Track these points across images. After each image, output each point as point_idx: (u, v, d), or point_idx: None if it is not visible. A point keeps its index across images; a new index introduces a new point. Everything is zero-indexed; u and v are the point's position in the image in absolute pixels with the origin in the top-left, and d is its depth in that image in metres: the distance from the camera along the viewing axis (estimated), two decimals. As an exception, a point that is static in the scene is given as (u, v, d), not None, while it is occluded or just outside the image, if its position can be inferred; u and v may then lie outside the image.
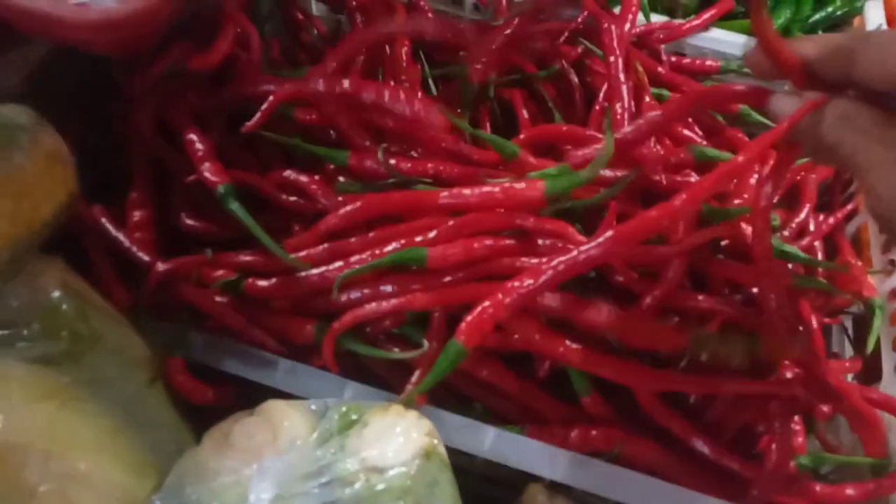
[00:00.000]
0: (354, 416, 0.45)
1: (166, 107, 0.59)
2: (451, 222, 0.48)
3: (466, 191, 0.49)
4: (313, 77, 0.60)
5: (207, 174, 0.50)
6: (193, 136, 0.53)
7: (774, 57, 0.39)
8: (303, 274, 0.49)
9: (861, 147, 0.34)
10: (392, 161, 0.57)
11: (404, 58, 0.77)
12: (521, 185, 0.49)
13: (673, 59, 0.78)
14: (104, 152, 0.63)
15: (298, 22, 0.85)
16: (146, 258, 0.50)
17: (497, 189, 0.49)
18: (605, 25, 0.67)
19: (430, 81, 0.80)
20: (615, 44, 0.66)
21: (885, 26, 0.83)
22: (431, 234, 0.49)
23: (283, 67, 0.78)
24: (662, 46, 0.78)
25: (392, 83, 0.64)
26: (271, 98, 0.56)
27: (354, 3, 0.78)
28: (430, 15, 0.81)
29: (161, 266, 0.49)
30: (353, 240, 0.50)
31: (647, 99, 0.67)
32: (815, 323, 0.58)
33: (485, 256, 0.49)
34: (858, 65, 0.35)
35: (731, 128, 0.74)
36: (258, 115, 0.54)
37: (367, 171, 0.57)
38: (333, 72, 0.63)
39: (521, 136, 0.63)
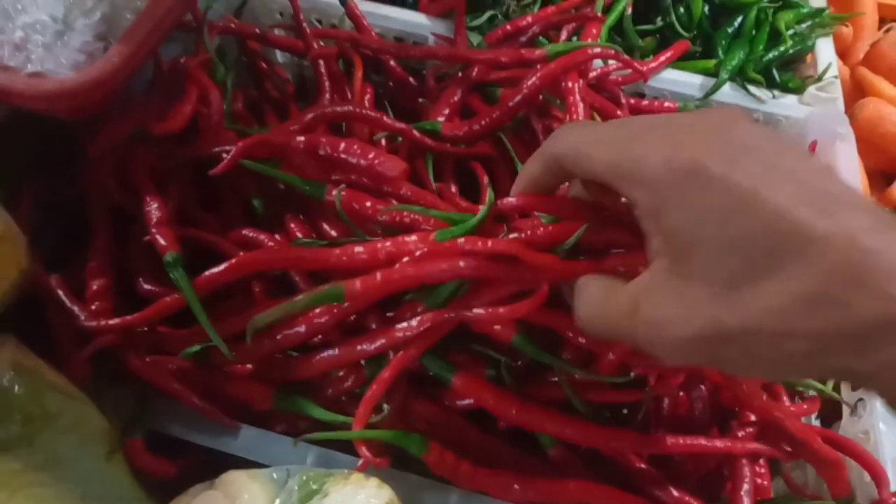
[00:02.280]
0: (315, 486, 0.44)
1: (126, 167, 0.59)
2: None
3: (358, 248, 0.49)
4: (274, 133, 0.61)
5: (159, 240, 0.50)
6: (150, 201, 0.53)
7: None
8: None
9: (614, 326, 0.37)
10: (368, 203, 0.56)
11: (368, 106, 0.79)
12: (412, 239, 0.49)
13: (632, 101, 0.80)
14: (67, 209, 0.63)
15: (262, 71, 0.85)
16: (99, 333, 0.50)
17: (388, 244, 0.49)
18: (569, 85, 0.68)
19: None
20: (575, 96, 0.67)
21: (835, 62, 0.86)
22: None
23: (246, 119, 0.78)
24: (621, 89, 0.80)
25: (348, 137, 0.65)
26: (237, 147, 0.56)
27: (316, 52, 0.79)
28: (392, 63, 0.82)
29: (101, 338, 0.49)
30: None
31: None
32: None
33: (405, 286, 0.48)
34: (567, 169, 0.39)
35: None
36: (225, 162, 0.54)
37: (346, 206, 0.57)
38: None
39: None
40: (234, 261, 0.50)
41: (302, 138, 0.59)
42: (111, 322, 0.49)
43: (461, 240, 0.46)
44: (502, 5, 0.83)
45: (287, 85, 0.85)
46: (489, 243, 0.44)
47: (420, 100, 0.81)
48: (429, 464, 0.48)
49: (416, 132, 0.66)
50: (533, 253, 0.43)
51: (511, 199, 0.45)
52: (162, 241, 0.50)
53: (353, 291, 0.46)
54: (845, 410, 0.60)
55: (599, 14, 0.80)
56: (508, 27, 0.79)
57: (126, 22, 0.60)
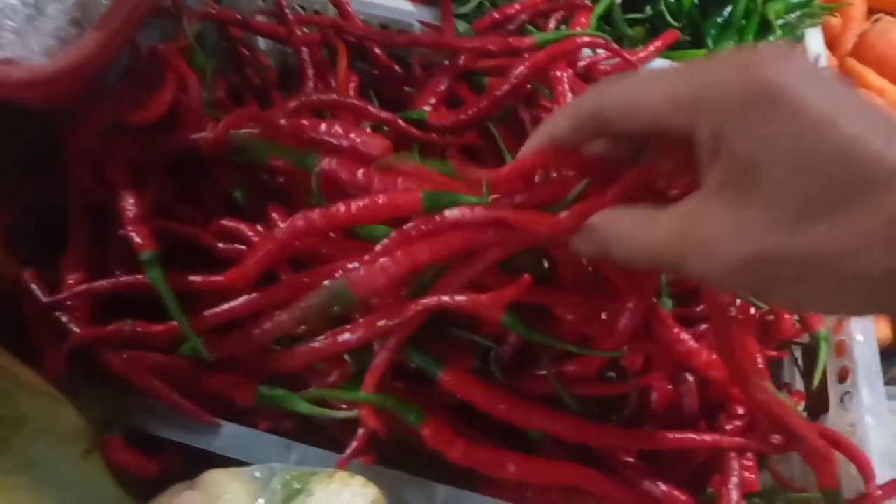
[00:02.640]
0: (298, 486, 0.44)
1: (103, 159, 0.57)
2: (367, 256, 0.47)
3: (353, 204, 0.48)
4: (260, 113, 0.59)
5: (134, 238, 0.49)
6: (126, 197, 0.51)
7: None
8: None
9: (653, 254, 0.36)
10: (360, 171, 0.54)
11: (352, 94, 0.78)
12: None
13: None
14: (45, 204, 0.61)
15: (244, 58, 0.83)
16: (75, 328, 0.48)
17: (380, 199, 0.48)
18: (557, 74, 0.67)
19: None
20: (564, 86, 0.66)
21: (824, 53, 0.85)
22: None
23: (227, 107, 0.76)
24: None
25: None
26: (225, 120, 0.55)
27: (299, 39, 0.77)
28: (377, 51, 0.81)
29: (78, 335, 0.48)
30: (276, 286, 0.48)
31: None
32: (761, 358, 0.59)
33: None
34: (608, 120, 0.37)
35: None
36: (214, 134, 0.52)
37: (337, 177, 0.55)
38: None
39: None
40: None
41: (284, 121, 0.57)
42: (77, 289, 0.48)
43: (466, 210, 0.44)
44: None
45: (269, 72, 0.83)
46: (503, 211, 0.43)
47: (406, 88, 0.79)
48: (424, 437, 0.47)
49: (401, 122, 0.65)
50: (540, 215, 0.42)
51: (529, 154, 0.41)
52: (138, 239, 0.48)
53: (356, 282, 0.45)
54: (832, 403, 0.60)
55: (588, 2, 0.78)
56: (496, 15, 0.78)
57: (101, 7, 0.58)
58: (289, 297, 0.48)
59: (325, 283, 0.46)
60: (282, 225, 0.56)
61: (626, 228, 0.37)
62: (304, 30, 0.80)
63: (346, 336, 0.48)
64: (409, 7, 0.85)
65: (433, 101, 0.72)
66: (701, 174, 0.34)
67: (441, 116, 0.68)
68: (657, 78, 0.35)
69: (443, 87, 0.73)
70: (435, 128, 0.67)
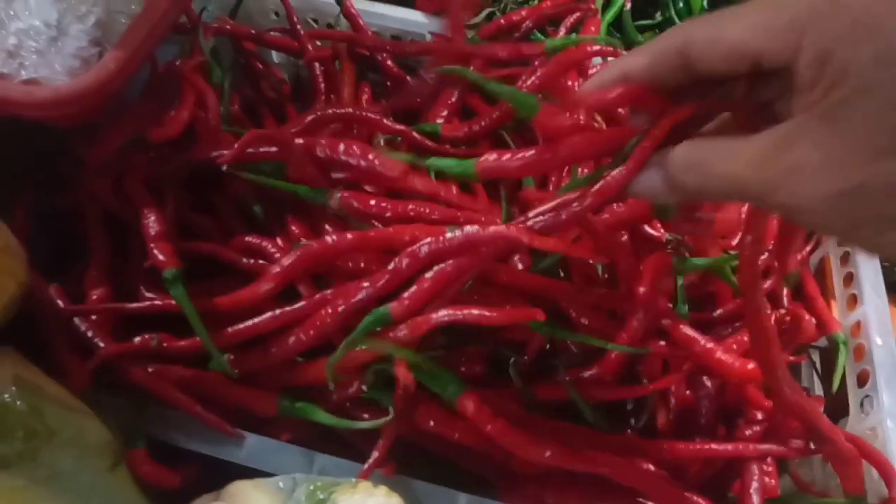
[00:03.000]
0: (322, 496, 0.44)
1: (123, 176, 0.58)
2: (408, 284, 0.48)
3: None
4: (276, 131, 0.60)
5: (157, 256, 0.50)
6: (148, 214, 0.52)
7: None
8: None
9: (736, 181, 0.33)
10: (372, 201, 0.56)
11: (365, 101, 0.79)
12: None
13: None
14: (64, 219, 0.62)
15: (258, 72, 0.84)
16: (101, 343, 0.49)
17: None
18: (568, 84, 0.67)
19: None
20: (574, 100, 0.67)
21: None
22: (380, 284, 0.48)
23: (243, 122, 0.77)
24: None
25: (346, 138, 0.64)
26: (242, 139, 0.56)
27: (311, 54, 0.79)
28: (389, 63, 0.82)
29: (105, 350, 0.48)
30: (300, 304, 0.49)
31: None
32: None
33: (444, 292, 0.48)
34: (693, 54, 0.35)
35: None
36: (231, 153, 0.54)
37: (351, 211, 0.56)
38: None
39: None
40: (297, 254, 0.50)
41: (300, 140, 0.58)
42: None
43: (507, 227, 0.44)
44: (500, 2, 0.82)
45: (283, 85, 0.84)
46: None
47: (417, 99, 0.80)
48: (461, 410, 0.47)
49: (415, 134, 0.65)
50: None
51: (596, 91, 0.39)
52: (161, 257, 0.49)
53: (401, 311, 0.46)
54: (852, 407, 0.60)
55: (598, 9, 0.79)
56: (502, 21, 0.79)
57: (121, 27, 0.59)
58: (310, 312, 0.49)
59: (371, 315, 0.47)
60: (302, 239, 0.58)
61: (701, 158, 0.34)
62: (318, 43, 0.81)
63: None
64: (421, 18, 0.86)
65: (445, 112, 0.73)
66: (796, 103, 0.31)
67: (454, 128, 0.69)
68: (744, 11, 0.33)
69: (454, 98, 0.74)
70: (449, 140, 0.68)
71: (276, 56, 0.94)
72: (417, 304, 0.46)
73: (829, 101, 0.29)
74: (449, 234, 0.46)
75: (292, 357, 0.50)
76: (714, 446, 0.51)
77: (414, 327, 0.46)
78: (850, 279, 0.67)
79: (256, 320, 0.49)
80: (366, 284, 0.48)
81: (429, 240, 0.47)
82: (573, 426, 0.48)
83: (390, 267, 0.47)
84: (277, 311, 0.49)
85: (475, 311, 0.46)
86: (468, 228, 0.45)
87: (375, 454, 0.47)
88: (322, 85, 0.78)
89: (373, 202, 0.54)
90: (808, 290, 0.68)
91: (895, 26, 0.27)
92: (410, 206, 0.54)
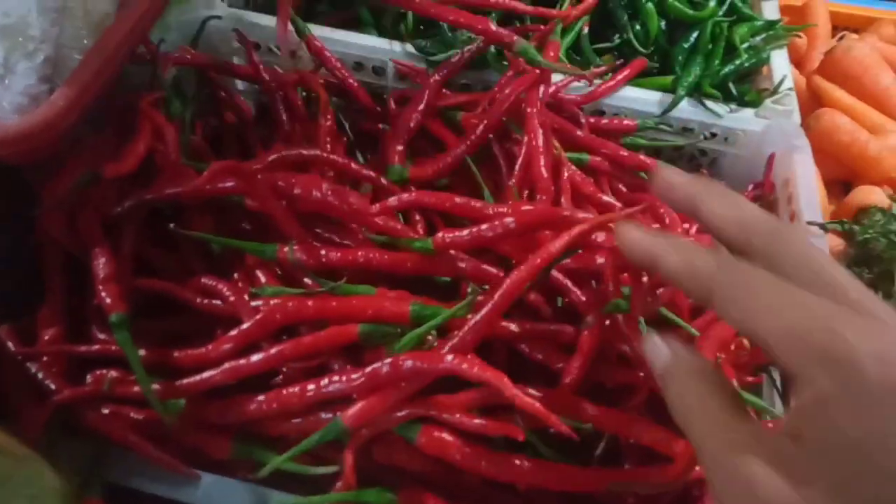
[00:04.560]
0: (277, 536, 0.44)
1: (78, 213, 0.57)
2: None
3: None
4: (236, 165, 0.60)
5: (104, 299, 0.49)
6: (99, 254, 0.52)
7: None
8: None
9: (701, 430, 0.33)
10: (322, 251, 0.57)
11: (329, 133, 0.78)
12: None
13: (591, 119, 0.80)
14: (20, 258, 0.61)
15: (221, 100, 0.84)
16: (53, 386, 0.48)
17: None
18: (529, 110, 0.68)
19: (357, 151, 0.82)
20: (534, 122, 0.68)
21: (790, 74, 0.87)
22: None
23: (205, 152, 0.77)
24: (580, 109, 0.80)
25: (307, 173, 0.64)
26: (207, 171, 0.55)
27: (273, 84, 0.79)
28: (352, 82, 0.82)
29: (56, 395, 0.48)
30: (255, 358, 0.49)
31: (566, 174, 0.68)
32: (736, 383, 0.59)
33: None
34: (701, 213, 0.37)
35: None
36: (195, 184, 0.53)
37: (300, 263, 0.57)
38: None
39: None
40: (257, 318, 0.50)
41: (260, 176, 0.58)
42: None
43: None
44: (461, 42, 0.82)
45: (247, 114, 0.84)
46: None
47: (381, 126, 0.80)
48: (420, 446, 0.48)
49: (384, 181, 0.66)
50: None
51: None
52: (108, 300, 0.49)
53: (356, 421, 0.46)
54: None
55: (558, 38, 0.80)
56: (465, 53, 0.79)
57: (73, 62, 0.59)
58: (269, 366, 0.49)
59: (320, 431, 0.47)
60: (260, 276, 0.58)
61: (692, 400, 0.34)
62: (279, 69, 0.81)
63: (327, 387, 0.48)
64: (384, 45, 0.86)
65: (403, 141, 0.73)
66: (785, 408, 0.31)
67: (421, 171, 0.69)
68: (786, 301, 0.30)
69: (413, 124, 0.74)
70: (417, 182, 0.68)
71: (240, 82, 0.94)
72: (374, 411, 0.47)
73: (807, 445, 0.29)
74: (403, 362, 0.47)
75: (250, 419, 0.49)
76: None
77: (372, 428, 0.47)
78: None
79: (212, 373, 0.48)
80: (336, 379, 0.48)
81: (388, 361, 0.47)
82: (536, 464, 0.48)
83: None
84: (233, 364, 0.49)
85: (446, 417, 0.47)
86: (416, 364, 0.46)
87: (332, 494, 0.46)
88: (284, 116, 0.78)
89: (323, 253, 0.54)
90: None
91: None
92: (360, 253, 0.54)
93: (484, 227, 0.55)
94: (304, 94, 0.83)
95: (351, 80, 0.81)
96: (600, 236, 0.52)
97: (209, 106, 0.86)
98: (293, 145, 0.77)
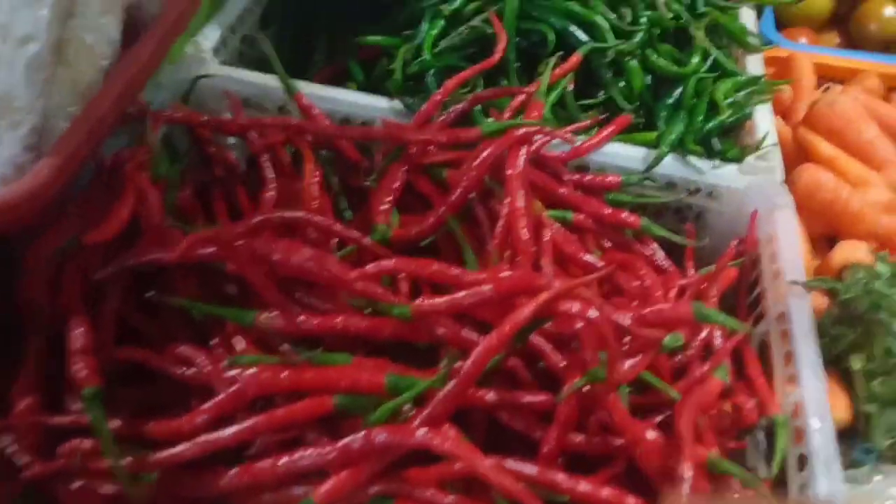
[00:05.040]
0: None
1: (60, 279, 0.58)
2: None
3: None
4: (217, 234, 0.61)
5: (77, 372, 0.49)
6: (75, 324, 0.52)
7: None
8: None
9: None
10: (301, 318, 0.57)
11: (316, 191, 0.79)
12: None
13: (575, 176, 0.81)
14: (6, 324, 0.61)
15: (211, 155, 0.85)
16: (23, 460, 0.48)
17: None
18: (509, 172, 0.69)
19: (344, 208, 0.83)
20: (515, 184, 0.68)
21: (773, 129, 0.88)
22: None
23: (193, 209, 0.78)
24: (564, 166, 0.81)
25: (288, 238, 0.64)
26: (185, 242, 0.56)
27: (257, 146, 0.80)
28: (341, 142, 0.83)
29: (26, 471, 0.48)
30: (228, 432, 0.49)
31: (547, 236, 0.69)
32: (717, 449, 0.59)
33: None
34: None
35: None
36: (173, 255, 0.54)
37: (278, 331, 0.57)
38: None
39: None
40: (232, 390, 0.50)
41: (240, 242, 0.59)
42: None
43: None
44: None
45: (236, 168, 0.85)
46: None
47: (366, 182, 0.81)
48: None
49: (367, 242, 0.66)
50: None
51: None
52: (81, 373, 0.49)
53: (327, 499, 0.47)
54: (791, 492, 0.60)
55: (543, 99, 0.81)
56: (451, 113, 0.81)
57: (60, 130, 0.60)
58: (242, 439, 0.49)
59: None
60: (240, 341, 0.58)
61: None
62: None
63: (300, 461, 0.48)
64: (372, 101, 0.88)
65: (389, 199, 0.74)
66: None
67: (405, 231, 0.71)
68: None
69: (397, 185, 0.75)
70: (399, 243, 0.69)
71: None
72: (346, 487, 0.47)
73: None
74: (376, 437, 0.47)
75: (221, 493, 0.49)
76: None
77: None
78: (789, 357, 0.68)
79: (185, 448, 0.48)
80: (308, 452, 0.48)
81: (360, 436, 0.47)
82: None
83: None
84: (207, 439, 0.49)
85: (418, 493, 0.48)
86: (389, 438, 0.47)
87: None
88: (270, 175, 0.79)
89: (302, 319, 0.54)
90: (749, 370, 0.68)
91: None
92: (339, 320, 0.54)
93: (461, 294, 0.56)
94: (293, 149, 0.85)
95: (339, 137, 0.82)
96: (574, 306, 0.52)
97: (200, 160, 0.88)
98: (280, 203, 0.79)
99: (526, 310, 0.51)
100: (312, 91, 0.87)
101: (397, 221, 0.75)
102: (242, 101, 0.90)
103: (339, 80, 1.00)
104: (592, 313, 0.51)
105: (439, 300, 0.55)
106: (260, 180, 0.79)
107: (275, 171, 0.79)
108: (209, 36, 0.94)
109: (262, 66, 0.91)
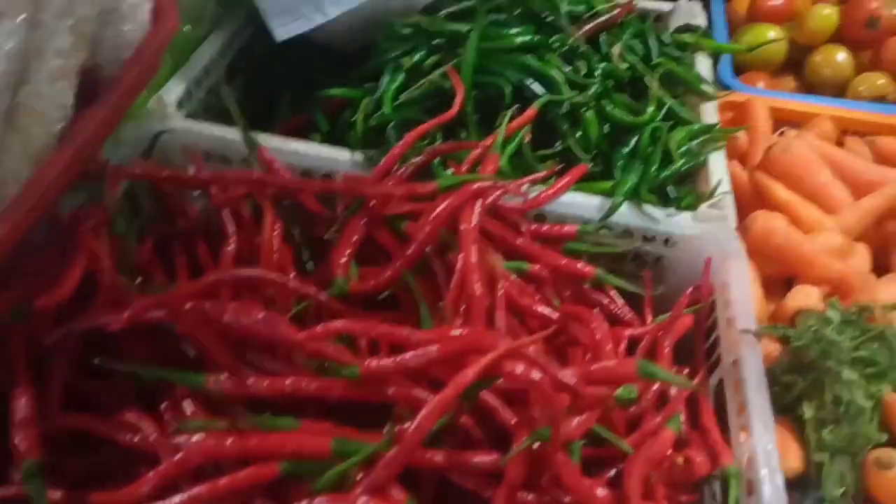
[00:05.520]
0: None
1: (5, 346, 0.58)
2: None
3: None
4: (165, 298, 0.61)
5: (18, 445, 0.49)
6: (18, 395, 0.52)
7: None
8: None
9: None
10: (250, 380, 0.58)
11: (276, 244, 0.80)
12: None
13: (533, 226, 0.82)
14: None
15: (172, 209, 0.86)
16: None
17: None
18: (463, 227, 0.70)
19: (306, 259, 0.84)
20: (469, 239, 0.69)
21: (726, 177, 0.90)
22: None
23: (152, 265, 0.78)
24: (523, 216, 0.82)
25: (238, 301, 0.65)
26: (132, 308, 0.56)
27: (219, 200, 0.81)
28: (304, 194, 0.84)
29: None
30: (174, 500, 0.49)
31: (501, 290, 0.69)
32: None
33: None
34: None
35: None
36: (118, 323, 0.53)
37: (227, 394, 0.57)
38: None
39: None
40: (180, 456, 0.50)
41: (190, 304, 0.59)
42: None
43: None
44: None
45: (197, 222, 0.86)
46: None
47: (326, 236, 0.82)
48: None
49: (322, 297, 0.67)
50: None
51: None
52: (21, 446, 0.49)
53: None
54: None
55: (499, 151, 0.83)
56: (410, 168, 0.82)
57: (11, 195, 0.60)
58: None
59: None
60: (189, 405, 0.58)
61: None
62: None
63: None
64: (334, 154, 0.89)
65: (348, 252, 0.75)
66: None
67: (363, 284, 0.71)
68: None
69: (356, 238, 0.76)
70: (357, 298, 0.70)
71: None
72: None
73: None
74: None
75: None
76: None
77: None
78: (742, 407, 0.68)
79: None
80: None
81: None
82: None
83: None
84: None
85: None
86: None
87: None
88: (231, 228, 0.80)
89: (251, 382, 0.54)
90: (704, 419, 0.69)
91: None
92: (288, 382, 0.55)
93: (409, 355, 0.56)
94: (255, 201, 0.86)
95: (300, 191, 0.83)
96: (518, 367, 0.53)
97: (161, 213, 0.88)
98: (242, 255, 0.79)
99: (470, 372, 0.51)
100: (274, 144, 0.88)
101: (356, 274, 0.76)
102: (206, 154, 0.91)
103: (304, 129, 1.02)
104: (536, 374, 0.52)
105: (387, 361, 0.56)
106: (221, 233, 0.80)
107: (236, 223, 0.80)
108: (173, 90, 0.96)
109: (229, 116, 0.92)
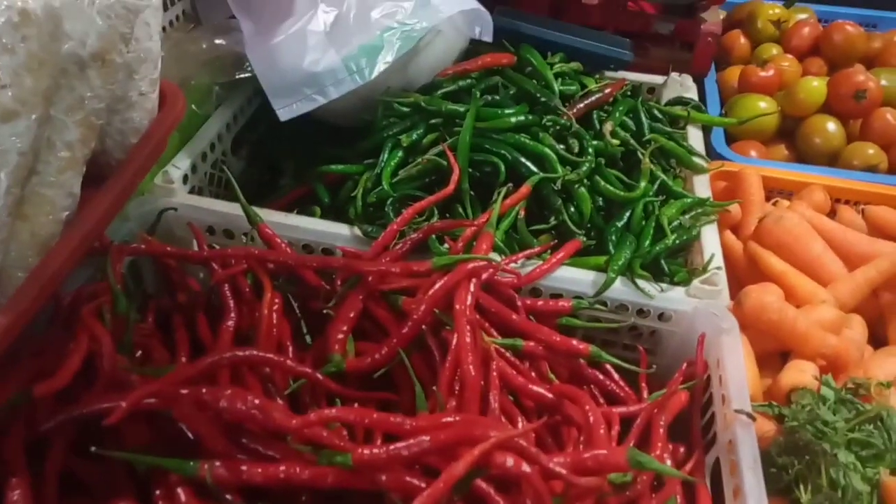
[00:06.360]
0: None
1: (4, 434, 0.59)
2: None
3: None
4: (161, 385, 0.62)
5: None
6: (14, 486, 0.52)
7: None
8: None
9: None
10: (244, 467, 0.58)
11: (274, 319, 0.81)
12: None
13: (528, 301, 0.83)
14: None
15: (174, 283, 0.88)
16: None
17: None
18: (457, 307, 0.71)
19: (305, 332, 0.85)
20: (463, 319, 0.71)
21: (718, 252, 0.92)
22: None
23: (154, 336, 0.80)
24: (517, 292, 0.83)
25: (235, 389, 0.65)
26: (127, 401, 0.57)
27: (219, 276, 0.82)
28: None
29: None
30: None
31: (495, 370, 0.70)
32: None
33: None
34: None
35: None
36: (112, 417, 0.54)
37: (221, 481, 0.58)
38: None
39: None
40: None
41: (185, 391, 0.60)
42: None
43: None
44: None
45: (199, 297, 0.87)
46: None
47: (325, 310, 0.83)
48: None
49: (317, 377, 0.68)
50: None
51: None
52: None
53: None
54: None
55: (493, 230, 0.85)
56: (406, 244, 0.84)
57: (17, 280, 0.62)
58: None
59: None
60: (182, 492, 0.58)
61: None
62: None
63: None
64: (332, 229, 0.91)
65: (345, 328, 0.76)
66: None
67: (358, 362, 0.72)
68: None
69: (353, 314, 0.77)
70: (354, 374, 0.71)
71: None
72: None
73: None
74: None
75: None
76: None
77: None
78: (738, 491, 0.68)
79: None
80: None
81: None
82: None
83: None
84: None
85: None
86: None
87: None
88: (231, 303, 0.81)
89: (244, 469, 0.55)
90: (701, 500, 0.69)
91: None
92: (282, 469, 0.55)
93: (401, 445, 0.57)
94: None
95: (299, 267, 0.85)
96: (508, 460, 0.53)
97: (164, 286, 0.90)
98: (241, 330, 0.81)
99: (461, 464, 0.52)
100: (275, 219, 0.91)
101: (353, 349, 0.77)
102: (210, 228, 0.94)
103: (306, 201, 1.05)
104: (526, 467, 0.52)
105: (379, 450, 0.56)
106: (222, 306, 0.81)
107: (237, 297, 0.81)
108: (179, 165, 0.98)
109: (230, 195, 0.95)
